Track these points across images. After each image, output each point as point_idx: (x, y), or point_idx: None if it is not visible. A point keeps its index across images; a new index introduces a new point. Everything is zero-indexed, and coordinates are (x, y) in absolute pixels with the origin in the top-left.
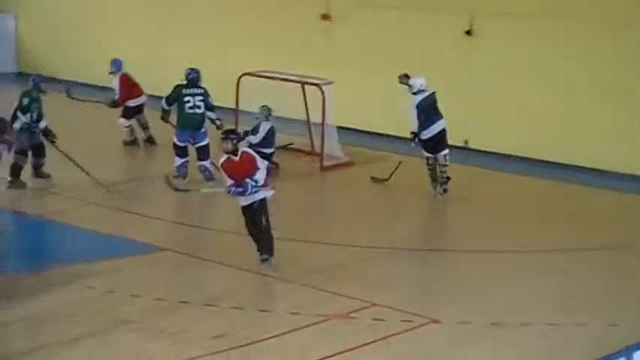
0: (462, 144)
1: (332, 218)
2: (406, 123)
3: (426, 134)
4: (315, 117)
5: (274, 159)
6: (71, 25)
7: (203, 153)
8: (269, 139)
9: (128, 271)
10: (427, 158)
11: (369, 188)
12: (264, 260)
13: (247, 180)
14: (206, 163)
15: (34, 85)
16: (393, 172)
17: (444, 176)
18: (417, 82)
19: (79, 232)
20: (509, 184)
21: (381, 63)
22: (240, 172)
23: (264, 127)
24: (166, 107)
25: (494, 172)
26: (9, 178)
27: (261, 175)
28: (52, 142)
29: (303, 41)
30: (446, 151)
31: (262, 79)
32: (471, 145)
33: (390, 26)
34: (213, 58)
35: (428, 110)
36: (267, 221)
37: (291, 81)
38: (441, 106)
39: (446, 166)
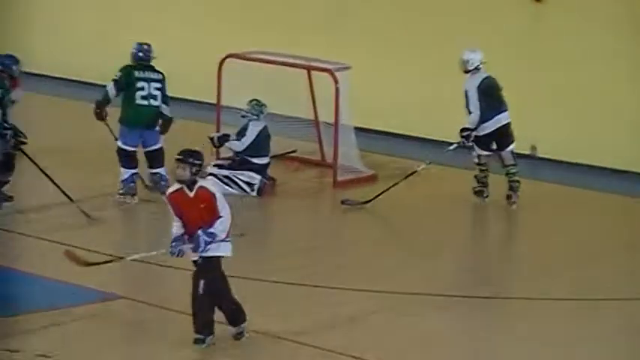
0: (527, 151)
1: (347, 253)
2: (450, 123)
3: (488, 127)
4: (326, 115)
5: (269, 172)
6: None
7: (157, 159)
8: (261, 144)
9: (68, 328)
10: (478, 157)
11: (398, 211)
12: (198, 341)
13: (200, 233)
14: (162, 171)
15: (2, 70)
16: (379, 194)
17: (514, 180)
18: (476, 57)
19: (12, 277)
20: (592, 204)
21: (415, 42)
22: (192, 216)
23: (254, 129)
24: (111, 96)
25: (570, 188)
26: None
27: (222, 227)
28: (21, 149)
29: (310, 10)
30: (512, 147)
31: (253, 62)
32: (540, 153)
33: None
34: (185, 32)
35: (491, 95)
36: (227, 286)
37: (293, 65)
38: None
39: (514, 165)
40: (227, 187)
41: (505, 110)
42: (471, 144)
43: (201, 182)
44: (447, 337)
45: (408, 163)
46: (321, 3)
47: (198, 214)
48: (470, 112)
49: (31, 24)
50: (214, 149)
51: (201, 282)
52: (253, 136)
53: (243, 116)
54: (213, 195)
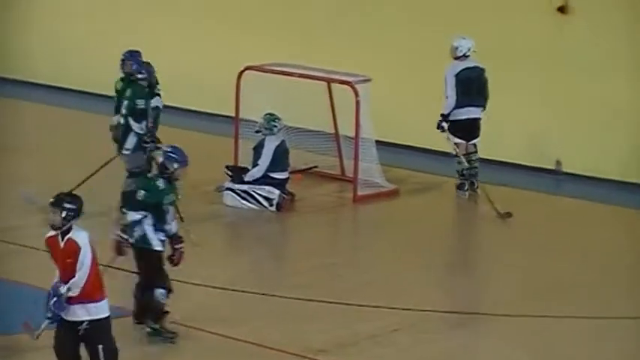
0: (552, 166)
1: (367, 269)
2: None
3: (460, 115)
4: (347, 128)
5: (288, 187)
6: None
7: None
8: (280, 160)
9: None
10: (456, 146)
11: (417, 226)
12: None
13: (50, 291)
14: None
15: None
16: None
17: (474, 166)
18: (465, 44)
19: (19, 290)
20: (616, 220)
21: (437, 55)
22: (61, 268)
23: (269, 147)
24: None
25: (597, 205)
26: None
27: (78, 283)
28: None
29: (329, 21)
30: (477, 140)
31: (272, 75)
32: (565, 168)
33: (448, 1)
34: (202, 45)
35: (470, 86)
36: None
37: (313, 77)
38: (524, 111)
39: (475, 153)
40: (245, 202)
41: (479, 105)
42: (444, 129)
43: (73, 231)
44: (468, 354)
45: (430, 178)
46: (342, 16)
47: (63, 268)
48: (447, 97)
49: (57, 40)
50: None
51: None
52: (270, 156)
53: (258, 131)
54: (79, 249)
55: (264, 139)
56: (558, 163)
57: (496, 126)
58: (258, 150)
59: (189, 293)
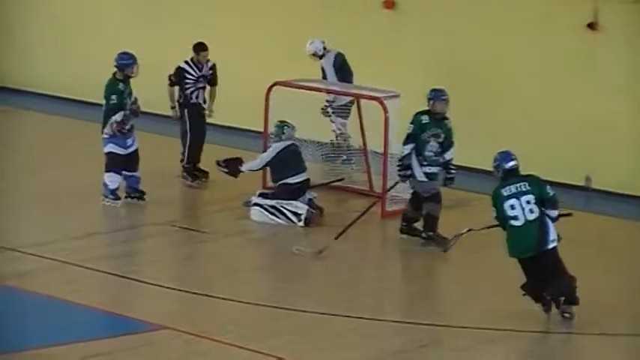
0: (582, 182)
1: (395, 285)
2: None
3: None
4: (375, 144)
5: (317, 201)
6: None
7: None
8: (289, 163)
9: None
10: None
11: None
12: None
13: None
14: None
15: None
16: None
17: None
18: (316, 45)
19: (46, 304)
20: None
21: (464, 69)
22: None
23: (274, 148)
24: None
25: (626, 221)
26: None
27: None
28: None
29: (358, 37)
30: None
31: (301, 90)
32: (595, 185)
33: (477, 17)
34: (231, 60)
35: (347, 69)
36: None
37: (341, 93)
38: (554, 126)
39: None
40: (274, 217)
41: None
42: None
43: None
44: None
45: (459, 194)
46: (371, 31)
47: None
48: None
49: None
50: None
51: None
52: (271, 154)
53: (270, 137)
54: None
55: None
56: (588, 179)
57: (527, 141)
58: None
59: (219, 308)
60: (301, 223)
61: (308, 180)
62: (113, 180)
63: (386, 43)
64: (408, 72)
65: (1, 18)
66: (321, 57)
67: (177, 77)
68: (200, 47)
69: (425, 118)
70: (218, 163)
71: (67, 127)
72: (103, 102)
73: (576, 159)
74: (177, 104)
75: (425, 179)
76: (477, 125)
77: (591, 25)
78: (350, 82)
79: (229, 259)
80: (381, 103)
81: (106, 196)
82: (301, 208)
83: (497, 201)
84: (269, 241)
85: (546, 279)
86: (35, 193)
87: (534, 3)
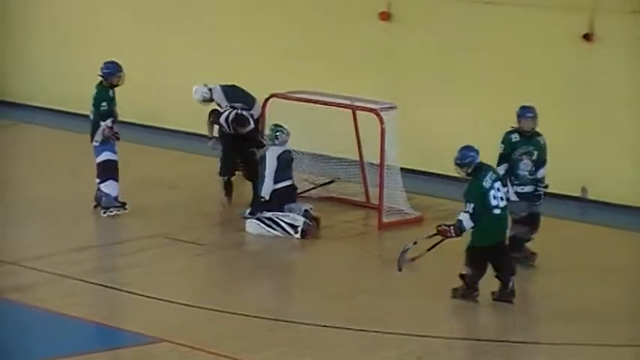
0: (578, 193)
1: (392, 297)
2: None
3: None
4: (372, 155)
5: (313, 211)
6: (41, 38)
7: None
8: (279, 169)
9: None
10: None
11: (445, 253)
12: None
13: None
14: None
15: None
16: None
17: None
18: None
19: (45, 317)
20: None
21: (460, 81)
22: None
23: (272, 156)
24: None
25: (622, 231)
26: None
27: None
28: None
29: (354, 49)
30: None
31: (298, 102)
32: (591, 195)
33: (473, 29)
34: (228, 72)
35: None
36: None
37: (338, 105)
38: (549, 137)
39: None
40: (270, 230)
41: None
42: None
43: None
44: None
45: (455, 205)
46: (368, 43)
47: None
48: None
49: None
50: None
51: None
52: (273, 165)
53: (264, 141)
54: None
55: (267, 150)
56: (584, 190)
57: None
58: (263, 161)
59: (215, 320)
60: (298, 235)
61: (292, 185)
62: (112, 188)
63: (382, 55)
64: (404, 84)
65: (3, 32)
66: (210, 99)
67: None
68: None
69: (515, 137)
70: (243, 216)
71: (66, 139)
72: (91, 110)
73: (572, 170)
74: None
75: (516, 199)
76: (468, 133)
77: (587, 37)
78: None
79: (225, 271)
80: (378, 115)
81: (108, 208)
82: (298, 219)
83: (481, 194)
84: (265, 253)
85: (503, 263)
86: (34, 205)
87: (530, 15)
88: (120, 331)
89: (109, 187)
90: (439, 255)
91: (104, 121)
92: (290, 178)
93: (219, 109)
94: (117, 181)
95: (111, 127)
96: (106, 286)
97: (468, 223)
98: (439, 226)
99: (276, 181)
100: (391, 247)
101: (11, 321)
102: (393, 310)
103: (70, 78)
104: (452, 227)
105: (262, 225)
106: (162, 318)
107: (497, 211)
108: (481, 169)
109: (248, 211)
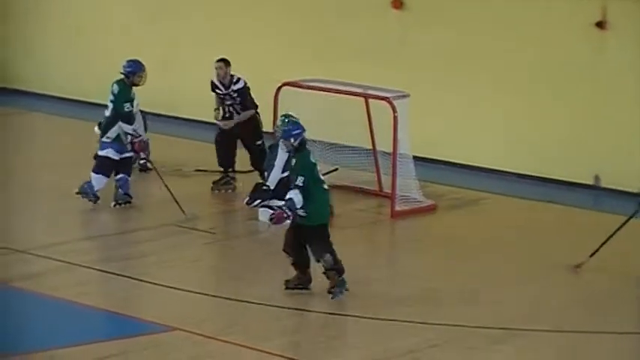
0: (590, 181)
1: (406, 285)
2: (513, 152)
3: None
4: (384, 144)
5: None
6: (52, 27)
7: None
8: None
9: None
10: None
11: (458, 241)
12: None
13: None
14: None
15: None
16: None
17: None
18: None
19: (57, 306)
20: None
21: (473, 69)
22: None
23: (282, 152)
24: None
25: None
26: None
27: None
28: None
29: (366, 38)
30: None
31: (310, 90)
32: (604, 183)
33: (485, 17)
34: (239, 61)
35: None
36: None
37: (351, 93)
38: (563, 125)
39: None
40: None
41: None
42: None
43: None
44: None
45: (468, 193)
46: (381, 31)
47: None
48: None
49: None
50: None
51: None
52: (285, 158)
53: (275, 132)
54: None
55: (278, 142)
56: (597, 178)
57: (535, 140)
58: (273, 149)
59: (226, 308)
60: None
61: None
62: (100, 182)
63: (394, 43)
64: (417, 72)
65: (14, 22)
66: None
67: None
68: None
69: None
70: (248, 203)
71: (76, 128)
72: (110, 106)
73: (585, 158)
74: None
75: None
76: (481, 121)
77: (600, 24)
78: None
79: (237, 259)
80: (390, 103)
81: (86, 193)
82: None
83: (311, 167)
84: (277, 242)
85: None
86: (43, 194)
87: (543, 3)
88: (132, 319)
89: (97, 180)
90: (453, 242)
91: (127, 123)
92: None
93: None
94: (107, 177)
95: (139, 142)
96: (118, 275)
97: (298, 198)
98: (272, 217)
99: (283, 170)
100: (404, 235)
101: (23, 309)
102: (407, 297)
103: (83, 67)
104: (284, 209)
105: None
106: (174, 306)
107: (325, 186)
108: (305, 144)
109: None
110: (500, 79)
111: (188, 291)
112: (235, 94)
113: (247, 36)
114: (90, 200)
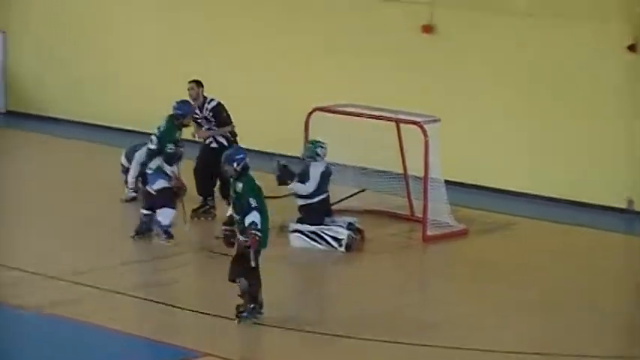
0: (624, 205)
1: (438, 310)
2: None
3: None
4: (416, 168)
5: (357, 224)
6: (81, 50)
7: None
8: (320, 184)
9: None
10: None
11: (490, 266)
12: None
13: None
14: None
15: None
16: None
17: None
18: None
19: (90, 332)
20: None
21: (506, 92)
22: None
23: (316, 171)
24: None
25: None
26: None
27: None
28: None
29: (397, 61)
30: None
31: (341, 116)
32: (637, 207)
33: (515, 41)
34: (268, 86)
35: None
36: None
37: (382, 118)
38: (596, 149)
39: None
40: (314, 243)
41: None
42: None
43: None
44: None
45: (500, 217)
46: (409, 57)
47: None
48: None
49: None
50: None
51: None
52: (317, 179)
53: (302, 159)
54: None
55: (308, 166)
56: (630, 201)
57: (568, 164)
58: (303, 176)
59: (261, 333)
60: (342, 249)
61: (328, 198)
62: (167, 215)
63: (424, 68)
64: (447, 96)
65: (51, 49)
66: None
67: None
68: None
69: None
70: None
71: (107, 155)
72: (154, 139)
73: (617, 181)
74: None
75: None
76: (511, 145)
77: (632, 47)
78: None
79: (270, 285)
80: (421, 128)
81: (142, 233)
82: (342, 233)
83: (259, 192)
84: (309, 267)
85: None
86: (74, 221)
87: (575, 26)
88: (166, 345)
89: (163, 215)
90: (485, 267)
91: (168, 164)
92: (326, 191)
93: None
94: (173, 208)
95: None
96: (151, 301)
97: (258, 219)
98: (247, 245)
99: (313, 196)
100: (435, 259)
101: (58, 336)
102: (439, 322)
103: (112, 92)
104: (251, 234)
105: (306, 239)
106: (207, 331)
107: (267, 213)
108: (248, 169)
109: (289, 225)
110: (530, 104)
111: (221, 316)
112: (210, 114)
113: (277, 61)
114: (164, 240)
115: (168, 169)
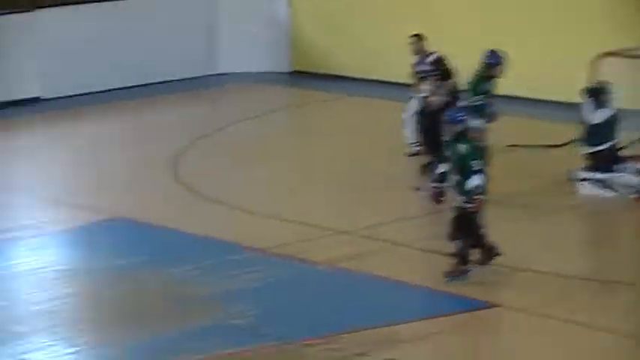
0: None
1: None
2: None
3: None
4: None
5: None
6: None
7: None
8: (606, 130)
9: (440, 340)
10: None
11: None
12: None
13: None
14: None
15: None
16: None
17: None
18: None
19: (378, 285)
20: None
21: None
22: None
23: (601, 116)
24: None
25: None
26: None
27: None
28: None
29: None
30: None
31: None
32: None
33: None
34: (544, 35)
35: None
36: None
37: None
38: None
39: None
40: (604, 191)
41: None
42: None
43: None
44: None
45: None
46: None
47: None
48: None
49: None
50: None
51: None
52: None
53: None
54: None
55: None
56: None
57: None
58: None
59: (546, 282)
60: (634, 196)
61: (615, 146)
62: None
63: None
64: None
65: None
66: None
67: None
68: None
69: None
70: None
71: (388, 110)
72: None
73: None
74: None
75: None
76: None
77: None
78: None
79: (562, 235)
80: None
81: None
82: (632, 180)
83: (482, 154)
84: (600, 215)
85: None
86: (362, 175)
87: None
88: (455, 296)
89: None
90: None
91: (478, 118)
92: (614, 138)
93: None
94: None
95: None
96: (437, 253)
97: (483, 182)
98: (472, 211)
99: (599, 143)
100: None
101: (347, 289)
102: None
103: (390, 49)
104: (477, 199)
105: (596, 186)
106: (493, 283)
107: None
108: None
109: (577, 173)
110: None
111: (505, 266)
112: (432, 68)
113: (547, 12)
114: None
115: (474, 123)
